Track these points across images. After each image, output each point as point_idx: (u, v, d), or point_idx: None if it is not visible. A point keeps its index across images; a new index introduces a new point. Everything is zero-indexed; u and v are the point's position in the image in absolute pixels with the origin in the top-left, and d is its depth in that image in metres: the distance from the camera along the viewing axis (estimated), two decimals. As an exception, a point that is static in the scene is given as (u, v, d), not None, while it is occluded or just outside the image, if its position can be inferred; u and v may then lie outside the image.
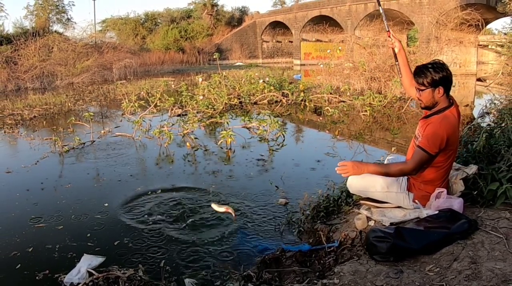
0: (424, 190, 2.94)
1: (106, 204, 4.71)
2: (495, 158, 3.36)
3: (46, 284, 3.05)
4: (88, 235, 3.91)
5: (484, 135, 3.64)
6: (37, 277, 3.15)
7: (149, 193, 5.05)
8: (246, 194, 4.96)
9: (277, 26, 42.34)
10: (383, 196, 3.13)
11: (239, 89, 13.54)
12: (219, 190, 5.15)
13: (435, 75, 2.73)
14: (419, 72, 2.79)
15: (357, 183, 3.28)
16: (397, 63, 3.22)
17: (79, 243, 3.74)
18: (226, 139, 7.27)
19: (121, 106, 11.34)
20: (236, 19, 45.54)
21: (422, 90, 2.79)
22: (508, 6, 11.18)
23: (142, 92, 14.04)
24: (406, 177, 3.04)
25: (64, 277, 3.03)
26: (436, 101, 2.80)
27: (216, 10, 44.02)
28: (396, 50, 3.19)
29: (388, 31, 3.24)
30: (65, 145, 7.45)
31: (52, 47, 24.39)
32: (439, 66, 2.75)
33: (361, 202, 3.37)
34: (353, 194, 3.65)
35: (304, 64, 37.60)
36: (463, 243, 2.49)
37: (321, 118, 10.81)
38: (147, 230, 4.01)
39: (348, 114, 10.93)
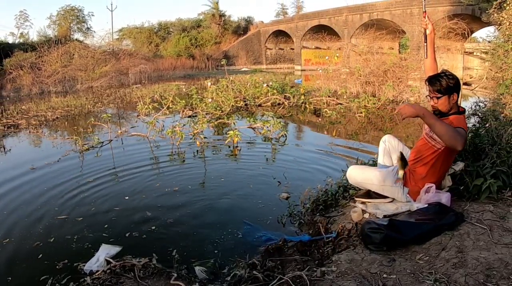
0: (419, 185, 2.94)
1: (127, 197, 4.73)
2: (480, 155, 3.36)
3: (66, 272, 3.02)
4: (106, 226, 3.93)
5: (470, 135, 3.64)
6: (57, 266, 3.15)
7: (164, 188, 5.06)
8: (251, 189, 4.96)
9: (280, 35, 42.23)
10: (379, 189, 3.13)
11: (244, 93, 13.52)
12: (226, 185, 5.16)
13: (450, 82, 2.73)
14: (434, 80, 2.77)
15: (356, 175, 3.27)
16: (425, 44, 3.14)
17: (96, 234, 3.75)
18: (233, 138, 7.27)
19: (137, 108, 11.36)
20: (242, 28, 45.44)
21: (438, 97, 2.77)
22: (492, 16, 11.10)
23: (155, 95, 14.04)
24: (403, 172, 3.02)
25: (84, 266, 3.04)
26: (452, 106, 2.80)
27: (223, 20, 43.92)
28: (428, 32, 3.10)
29: (425, 11, 3.14)
30: (85, 144, 7.48)
31: (73, 54, 24.45)
32: (450, 75, 2.75)
33: (356, 199, 3.35)
34: (350, 189, 3.66)
35: (304, 70, 37.46)
36: (450, 234, 2.49)
37: (320, 119, 10.78)
38: (159, 223, 4.02)
39: (345, 115, 10.89)
